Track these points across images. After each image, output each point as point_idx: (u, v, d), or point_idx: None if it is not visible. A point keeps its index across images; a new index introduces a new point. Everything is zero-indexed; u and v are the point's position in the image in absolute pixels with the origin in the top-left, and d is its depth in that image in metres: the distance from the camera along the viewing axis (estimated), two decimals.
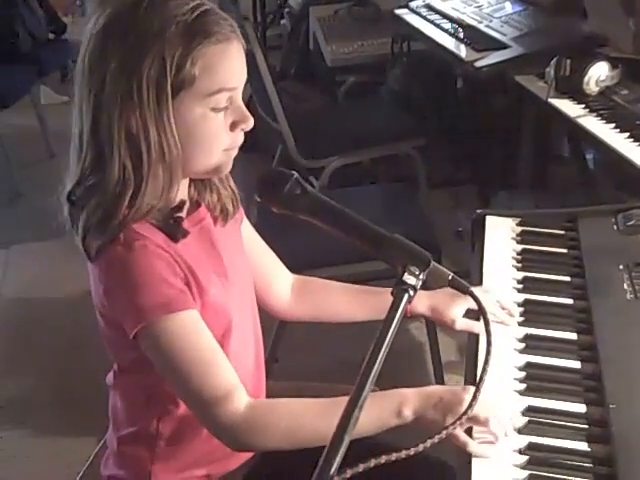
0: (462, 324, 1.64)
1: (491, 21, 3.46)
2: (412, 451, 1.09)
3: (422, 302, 1.65)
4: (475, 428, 1.33)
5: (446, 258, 2.59)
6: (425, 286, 1.21)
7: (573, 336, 1.56)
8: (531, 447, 1.30)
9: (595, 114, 2.54)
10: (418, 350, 3.02)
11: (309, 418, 1.36)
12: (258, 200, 1.34)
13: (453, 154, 4.25)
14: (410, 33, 3.95)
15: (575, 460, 1.27)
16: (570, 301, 1.66)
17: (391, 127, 3.64)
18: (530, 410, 1.38)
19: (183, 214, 1.39)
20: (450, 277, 1.25)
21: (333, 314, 1.74)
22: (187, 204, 1.41)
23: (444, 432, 1.16)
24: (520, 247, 1.84)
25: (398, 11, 3.92)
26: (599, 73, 2.63)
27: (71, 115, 1.35)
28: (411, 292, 1.16)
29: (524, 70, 2.94)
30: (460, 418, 1.21)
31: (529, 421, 1.35)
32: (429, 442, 1.13)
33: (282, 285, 1.71)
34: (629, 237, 1.79)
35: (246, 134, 1.39)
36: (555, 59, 2.67)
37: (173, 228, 1.36)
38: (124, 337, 1.34)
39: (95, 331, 1.45)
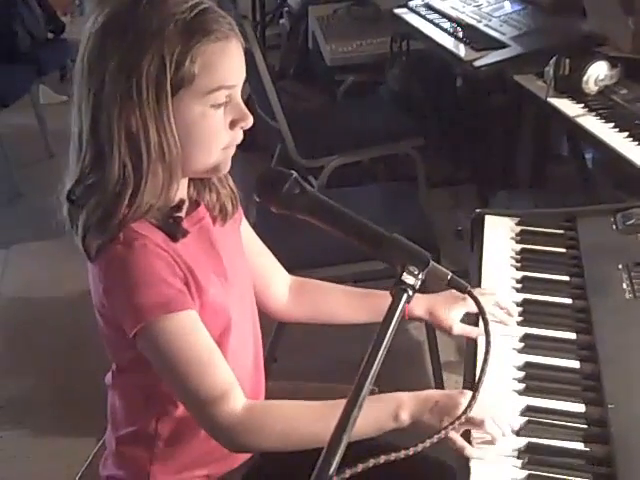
0: (459, 329, 1.64)
1: (490, 20, 3.46)
2: (411, 451, 1.10)
3: (420, 305, 1.65)
4: (473, 430, 1.33)
5: (445, 258, 2.59)
6: (424, 286, 1.21)
7: (572, 336, 1.56)
8: (530, 447, 1.30)
9: (594, 113, 2.55)
10: (417, 350, 3.03)
11: (305, 421, 1.36)
12: (257, 200, 1.34)
13: (452, 153, 4.26)
14: (409, 32, 3.95)
15: (574, 460, 1.27)
16: (569, 301, 1.66)
17: (390, 126, 3.64)
18: (529, 410, 1.38)
19: (182, 214, 1.39)
20: (449, 276, 1.25)
21: (331, 315, 1.74)
22: (186, 203, 1.41)
23: (443, 432, 1.17)
24: (519, 247, 1.84)
25: (397, 10, 3.92)
26: (598, 72, 2.63)
27: (70, 114, 1.35)
28: (410, 292, 1.16)
29: (523, 69, 2.94)
30: (459, 418, 1.21)
31: (528, 421, 1.35)
32: (428, 442, 1.13)
33: (280, 286, 1.71)
34: (628, 236, 1.79)
35: (245, 133, 1.39)
36: (554, 58, 2.67)
37: (172, 227, 1.36)
38: (123, 337, 1.34)
39: (94, 331, 1.45)
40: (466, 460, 1.29)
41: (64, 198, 1.36)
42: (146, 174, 1.30)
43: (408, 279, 1.17)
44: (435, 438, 1.14)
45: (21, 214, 4.28)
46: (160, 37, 1.26)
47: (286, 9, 5.60)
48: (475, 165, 4.08)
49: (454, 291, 1.29)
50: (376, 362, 1.08)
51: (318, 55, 4.73)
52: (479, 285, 1.71)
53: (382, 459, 1.05)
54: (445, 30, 3.49)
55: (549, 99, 2.67)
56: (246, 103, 1.37)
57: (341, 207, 1.29)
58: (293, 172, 1.31)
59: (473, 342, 1.56)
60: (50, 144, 4.92)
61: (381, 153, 3.62)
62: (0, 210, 4.40)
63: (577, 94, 2.64)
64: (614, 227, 1.83)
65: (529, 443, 1.30)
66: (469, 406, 1.22)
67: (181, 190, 1.39)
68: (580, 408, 1.38)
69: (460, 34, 3.39)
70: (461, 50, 3.27)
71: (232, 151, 1.39)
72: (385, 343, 1.10)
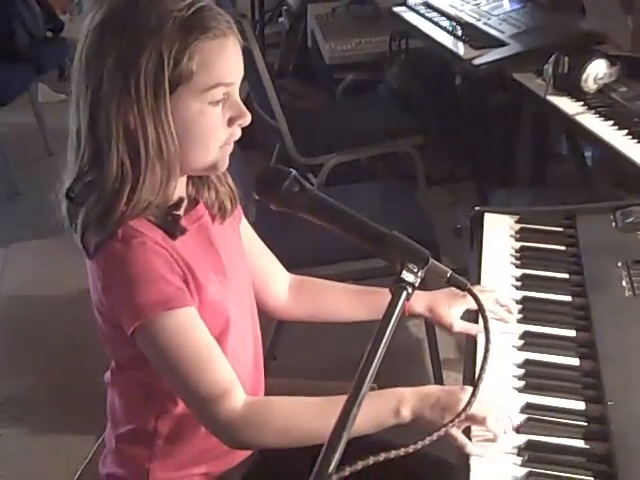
0: (460, 326, 1.64)
1: (489, 19, 3.46)
2: (411, 449, 1.09)
3: (420, 302, 1.65)
4: (474, 427, 1.33)
5: (445, 255, 2.59)
6: (424, 283, 1.21)
7: (572, 333, 1.56)
8: (530, 444, 1.30)
9: (593, 111, 2.55)
10: (417, 347, 3.03)
11: (306, 417, 1.36)
12: (256, 198, 1.34)
13: (451, 152, 4.26)
14: (408, 31, 3.94)
15: (574, 457, 1.27)
16: (569, 298, 1.66)
17: (389, 125, 3.63)
18: (529, 407, 1.38)
19: (181, 211, 1.39)
20: (449, 274, 1.25)
21: (331, 314, 1.74)
22: (185, 201, 1.41)
23: (443, 429, 1.17)
24: (519, 244, 1.84)
25: (396, 9, 3.92)
26: (597, 70, 2.63)
27: (69, 112, 1.35)
28: (409, 289, 1.16)
29: (522, 68, 2.94)
30: (459, 415, 1.21)
31: (528, 418, 1.35)
32: (428, 440, 1.13)
33: (279, 285, 1.71)
34: (627, 234, 1.79)
35: (244, 131, 1.39)
36: (553, 56, 2.67)
37: (171, 225, 1.36)
38: (122, 334, 1.34)
39: (94, 329, 1.45)
40: (466, 458, 1.29)
41: (63, 196, 1.36)
42: (144, 171, 1.30)
43: (408, 277, 1.17)
44: (435, 436, 1.14)
45: (20, 212, 4.27)
46: (158, 34, 1.26)
47: (285, 7, 5.60)
48: (474, 163, 4.09)
49: (454, 288, 1.29)
50: (376, 360, 1.08)
51: (317, 53, 4.73)
52: (479, 283, 1.71)
53: (382, 457, 1.05)
54: (444, 28, 3.49)
55: (548, 97, 2.67)
56: (245, 101, 1.37)
57: (340, 205, 1.29)
58: (292, 170, 1.31)
59: (473, 339, 1.56)
60: (49, 142, 4.92)
61: (380, 151, 3.62)
62: None
63: (576, 92, 2.64)
64: (614, 225, 1.83)
65: (529, 441, 1.30)
66: (469, 403, 1.22)
67: (180, 188, 1.39)
68: (580, 406, 1.38)
69: (459, 32, 3.39)
70: (460, 48, 3.27)
71: (230, 149, 1.39)
72: (385, 340, 1.10)
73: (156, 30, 1.26)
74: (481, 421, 1.31)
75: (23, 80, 4.84)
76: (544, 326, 1.59)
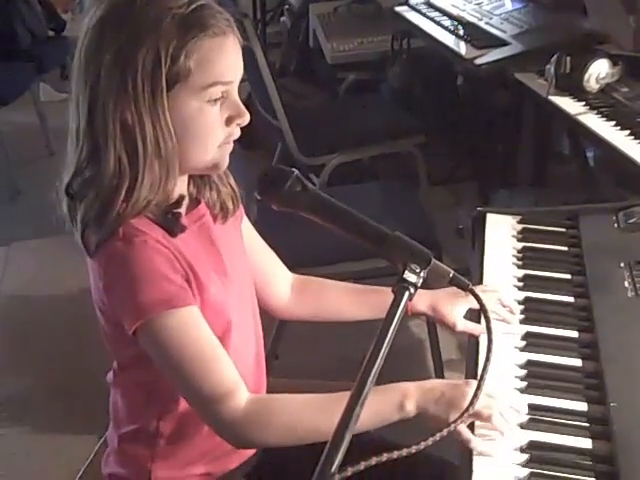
0: (463, 325, 1.64)
1: (491, 18, 3.46)
2: (413, 449, 1.09)
3: (423, 301, 1.64)
4: (477, 425, 1.33)
5: (446, 256, 2.58)
6: (426, 284, 1.21)
7: (574, 334, 1.56)
8: (532, 445, 1.30)
9: (595, 111, 2.54)
10: (418, 348, 3.02)
11: (309, 413, 1.36)
12: (258, 198, 1.33)
13: (453, 151, 4.26)
14: (410, 30, 3.95)
15: (576, 458, 1.27)
16: (571, 299, 1.66)
17: (391, 124, 3.63)
18: (531, 408, 1.37)
19: (182, 210, 1.39)
20: (451, 275, 1.25)
21: (333, 313, 1.74)
22: (186, 200, 1.41)
23: (446, 430, 1.16)
24: (521, 245, 1.84)
25: (398, 8, 3.92)
26: (599, 70, 2.63)
27: (69, 110, 1.35)
28: (412, 290, 1.16)
29: (524, 67, 2.94)
30: (461, 416, 1.21)
31: (530, 419, 1.35)
32: (430, 440, 1.12)
33: (282, 284, 1.71)
34: (630, 235, 1.79)
35: (246, 131, 1.39)
36: (555, 56, 2.67)
37: (171, 223, 1.36)
38: (123, 334, 1.33)
39: (95, 328, 1.45)
40: (469, 458, 1.29)
41: (63, 193, 1.36)
42: (142, 168, 1.30)
43: (410, 277, 1.17)
44: (438, 435, 1.14)
45: (21, 212, 4.27)
46: (156, 31, 1.26)
47: (287, 7, 5.60)
48: (476, 163, 4.08)
49: (456, 288, 1.28)
50: (378, 359, 1.08)
51: (319, 53, 4.73)
52: (481, 283, 1.71)
53: (384, 457, 1.05)
54: (446, 28, 3.49)
55: (550, 97, 2.66)
56: (247, 101, 1.37)
57: (342, 205, 1.29)
58: (294, 170, 1.31)
59: (475, 340, 1.56)
60: (51, 142, 4.92)
61: (382, 151, 3.62)
62: (0, 207, 4.39)
63: (578, 92, 2.64)
64: (616, 225, 1.83)
65: (531, 441, 1.30)
66: (471, 404, 1.21)
67: (180, 187, 1.39)
68: (582, 406, 1.38)
69: (461, 32, 3.39)
70: (462, 48, 3.27)
71: (229, 148, 1.38)
72: (387, 341, 1.10)
73: (154, 27, 1.26)
74: (487, 418, 1.31)
75: (25, 79, 4.84)
76: (546, 327, 1.58)
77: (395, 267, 1.19)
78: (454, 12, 3.63)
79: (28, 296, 3.61)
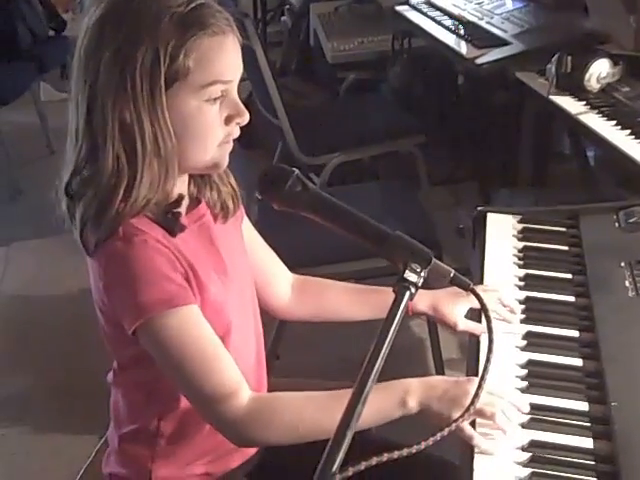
0: (464, 325, 1.63)
1: (492, 18, 3.45)
2: (414, 449, 1.09)
3: (424, 301, 1.64)
4: (479, 424, 1.33)
5: (447, 255, 2.58)
6: (426, 284, 1.21)
7: (575, 334, 1.56)
8: (533, 445, 1.30)
9: (596, 111, 2.54)
10: (419, 347, 3.02)
11: (311, 411, 1.36)
12: (259, 197, 1.33)
13: (453, 151, 4.25)
14: (411, 30, 3.94)
15: (577, 458, 1.27)
16: (572, 298, 1.66)
17: (391, 124, 3.63)
18: (532, 408, 1.37)
19: (182, 209, 1.38)
20: (451, 274, 1.25)
21: (334, 313, 1.74)
22: (187, 200, 1.41)
23: (446, 430, 1.16)
24: (521, 244, 1.84)
25: (399, 8, 3.91)
26: (600, 70, 2.62)
27: (69, 110, 1.35)
28: (412, 289, 1.16)
29: (525, 67, 2.94)
30: (463, 415, 1.21)
31: (531, 419, 1.35)
32: (431, 440, 1.12)
33: (282, 285, 1.71)
34: (630, 234, 1.78)
35: (246, 130, 1.38)
36: (556, 56, 2.67)
37: (171, 222, 1.36)
38: (123, 334, 1.33)
39: (95, 328, 1.45)
40: (469, 458, 1.29)
41: (62, 192, 1.36)
42: (141, 167, 1.29)
43: (411, 277, 1.17)
44: (439, 435, 1.14)
45: (22, 211, 4.27)
46: (155, 30, 1.26)
47: (287, 6, 5.61)
48: (476, 163, 4.08)
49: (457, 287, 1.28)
50: (379, 359, 1.08)
51: (319, 52, 4.73)
52: (481, 283, 1.71)
53: (385, 457, 1.05)
54: (447, 27, 3.49)
55: (551, 97, 2.66)
56: (247, 100, 1.36)
57: (343, 204, 1.29)
58: (295, 169, 1.31)
59: (476, 339, 1.56)
60: (51, 141, 4.92)
61: (382, 151, 3.61)
62: (1, 207, 4.40)
63: (579, 92, 2.64)
64: (617, 225, 1.83)
65: (532, 441, 1.30)
66: (472, 404, 1.21)
67: (180, 186, 1.38)
68: (583, 406, 1.38)
69: (462, 31, 3.39)
70: (463, 47, 3.26)
71: (229, 147, 1.38)
72: (388, 341, 1.10)
73: (153, 26, 1.26)
74: (490, 416, 1.31)
75: (25, 79, 4.84)
76: (547, 326, 1.58)
77: (396, 267, 1.19)
78: (455, 11, 3.62)
79: (28, 296, 3.61)
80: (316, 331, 2.66)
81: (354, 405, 1.04)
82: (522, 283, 1.72)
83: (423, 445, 1.10)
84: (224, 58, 1.31)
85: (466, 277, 1.27)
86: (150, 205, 1.33)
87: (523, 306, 1.64)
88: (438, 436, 1.14)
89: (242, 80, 1.39)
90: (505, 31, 3.27)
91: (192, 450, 1.48)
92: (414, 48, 4.26)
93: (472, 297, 1.25)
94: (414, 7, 3.85)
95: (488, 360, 1.22)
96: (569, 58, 2.64)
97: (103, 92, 1.28)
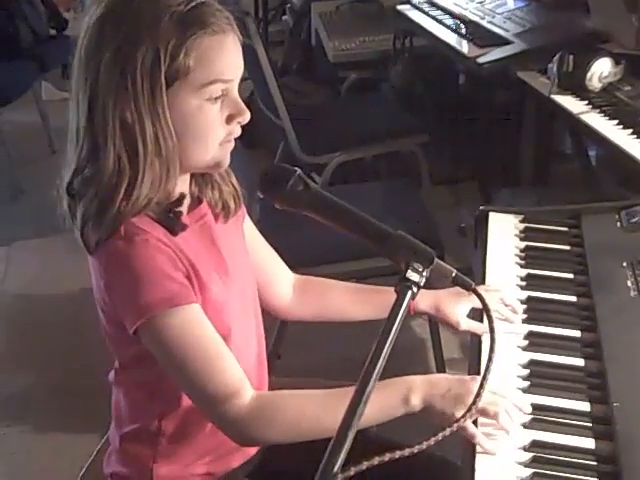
0: (466, 324, 1.63)
1: (493, 17, 3.45)
2: (416, 449, 1.09)
3: (425, 300, 1.64)
4: (481, 424, 1.32)
5: (449, 255, 2.58)
6: (428, 283, 1.21)
7: (577, 333, 1.56)
8: (535, 445, 1.29)
9: (598, 110, 2.54)
10: (420, 347, 3.02)
11: (313, 409, 1.35)
12: (260, 196, 1.33)
13: (455, 151, 4.25)
14: (412, 29, 3.94)
15: (579, 458, 1.27)
16: (573, 298, 1.66)
17: (393, 123, 3.63)
18: (534, 408, 1.37)
19: (183, 209, 1.38)
20: (453, 274, 1.25)
21: (336, 313, 1.73)
22: (188, 199, 1.41)
23: (448, 430, 1.16)
24: (523, 244, 1.84)
25: (400, 7, 3.92)
26: (602, 69, 2.62)
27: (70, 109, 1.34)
28: (414, 289, 1.16)
29: (527, 66, 2.94)
30: (465, 415, 1.21)
31: (533, 419, 1.35)
32: (433, 439, 1.12)
33: (283, 284, 1.70)
34: (633, 234, 1.78)
35: (248, 130, 1.38)
36: (558, 55, 2.67)
37: (172, 221, 1.36)
38: (124, 333, 1.33)
39: (96, 327, 1.44)
40: (471, 457, 1.28)
41: (63, 192, 1.36)
42: (142, 166, 1.29)
43: (413, 276, 1.16)
44: (440, 436, 1.14)
45: (23, 211, 4.27)
46: (155, 29, 1.26)
47: (289, 6, 5.60)
48: (478, 162, 4.08)
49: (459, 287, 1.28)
50: (381, 359, 1.08)
51: (321, 52, 4.72)
52: (483, 282, 1.71)
53: (387, 457, 1.04)
54: (448, 27, 3.49)
55: (552, 96, 2.66)
56: (249, 100, 1.36)
57: (345, 204, 1.29)
58: (297, 169, 1.31)
59: (477, 339, 1.56)
60: (53, 141, 4.92)
61: (384, 150, 3.62)
62: (2, 207, 4.39)
63: (581, 91, 2.64)
64: (618, 224, 1.83)
65: (534, 441, 1.30)
66: (474, 403, 1.21)
67: (181, 185, 1.38)
68: (585, 406, 1.37)
69: (463, 31, 3.39)
70: (464, 47, 3.26)
71: (231, 146, 1.38)
72: (390, 340, 1.10)
73: (153, 25, 1.26)
74: (493, 416, 1.31)
75: (27, 78, 4.84)
76: (549, 326, 1.58)
77: (398, 266, 1.19)
78: (456, 11, 3.62)
79: (30, 295, 3.61)
80: (318, 331, 2.65)
81: (356, 405, 1.04)
82: (524, 283, 1.71)
83: (425, 445, 1.10)
84: (224, 57, 1.31)
85: (468, 277, 1.27)
86: (151, 204, 1.32)
87: (525, 306, 1.64)
88: (440, 436, 1.14)
89: (243, 79, 1.39)
90: (507, 30, 3.26)
91: (193, 450, 1.48)
92: (415, 47, 4.25)
93: (474, 297, 1.25)
94: (415, 6, 3.85)
95: (490, 360, 1.22)
96: (571, 57, 2.64)
97: (104, 92, 1.27)
